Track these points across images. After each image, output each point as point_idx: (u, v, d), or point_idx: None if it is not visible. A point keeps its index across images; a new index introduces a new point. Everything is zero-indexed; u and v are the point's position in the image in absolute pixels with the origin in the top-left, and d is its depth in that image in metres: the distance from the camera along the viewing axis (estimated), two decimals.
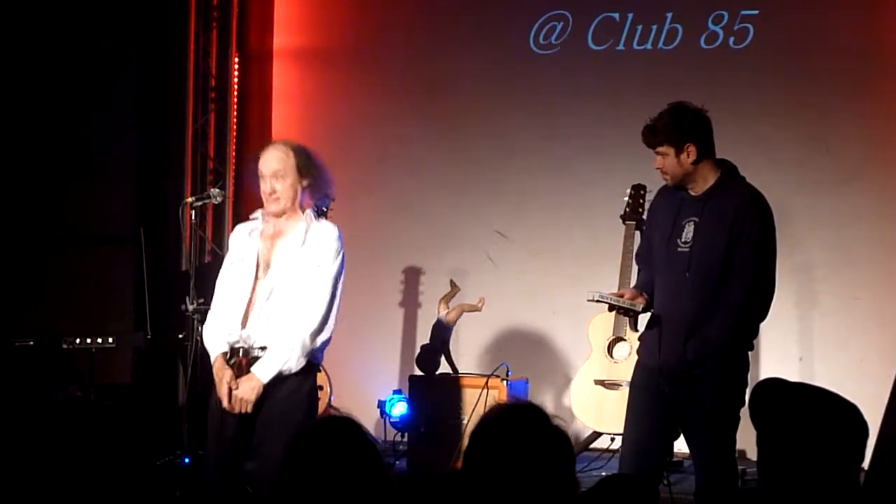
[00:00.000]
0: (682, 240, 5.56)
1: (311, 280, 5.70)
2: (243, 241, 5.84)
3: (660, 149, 5.56)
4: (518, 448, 3.10)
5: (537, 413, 3.18)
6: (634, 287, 5.86)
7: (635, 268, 6.18)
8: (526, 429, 3.13)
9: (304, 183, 5.75)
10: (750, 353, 5.67)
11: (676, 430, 5.92)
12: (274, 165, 5.72)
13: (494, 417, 3.19)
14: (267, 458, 5.58)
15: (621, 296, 5.69)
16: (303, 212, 5.78)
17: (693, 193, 5.62)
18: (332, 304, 5.73)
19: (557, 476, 3.12)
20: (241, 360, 5.73)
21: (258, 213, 5.87)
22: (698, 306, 5.50)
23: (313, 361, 5.77)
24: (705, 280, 5.50)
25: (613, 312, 6.05)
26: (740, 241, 5.48)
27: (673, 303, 5.58)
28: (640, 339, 5.84)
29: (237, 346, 5.73)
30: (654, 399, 5.64)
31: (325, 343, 5.83)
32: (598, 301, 5.66)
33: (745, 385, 5.63)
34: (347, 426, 3.32)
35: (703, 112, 5.61)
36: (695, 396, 5.55)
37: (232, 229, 6.27)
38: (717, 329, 5.49)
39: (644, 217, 7.39)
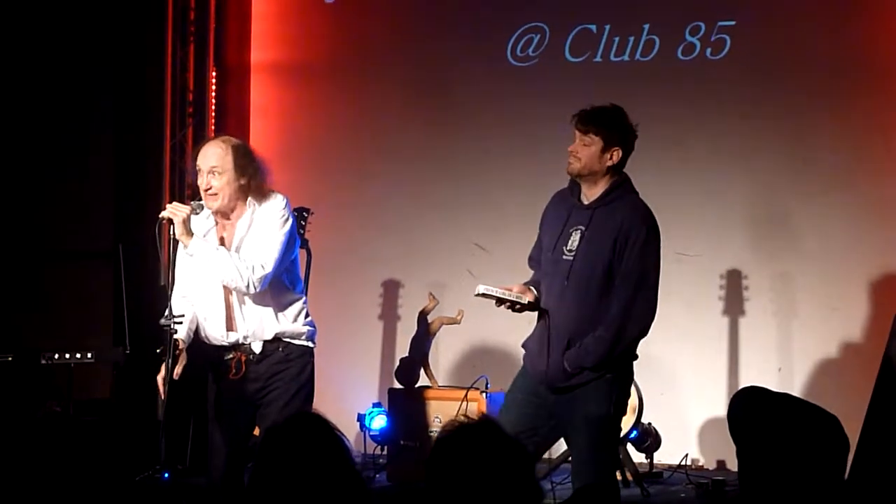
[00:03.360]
0: (568, 247, 5.56)
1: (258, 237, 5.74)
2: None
3: (589, 135, 5.53)
4: (476, 463, 3.14)
5: (491, 427, 3.23)
6: (525, 283, 5.80)
7: None
8: (481, 443, 3.17)
9: (242, 181, 5.74)
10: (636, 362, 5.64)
11: (553, 438, 5.80)
12: (212, 161, 5.72)
13: (450, 435, 3.23)
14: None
15: (509, 290, 5.66)
16: (245, 203, 5.78)
17: (584, 200, 5.63)
18: (279, 253, 5.70)
19: (517, 487, 3.15)
20: (239, 357, 5.78)
21: (206, 210, 5.83)
22: (577, 316, 5.50)
23: (308, 344, 5.88)
24: (585, 290, 5.49)
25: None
26: (623, 255, 5.46)
27: (555, 309, 5.58)
28: (523, 345, 5.80)
29: (228, 344, 5.79)
30: (532, 405, 5.61)
31: (310, 325, 5.90)
32: (484, 294, 5.64)
33: (628, 395, 5.61)
34: (315, 422, 3.36)
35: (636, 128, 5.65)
36: (574, 404, 5.51)
37: None
38: (594, 342, 5.46)
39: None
